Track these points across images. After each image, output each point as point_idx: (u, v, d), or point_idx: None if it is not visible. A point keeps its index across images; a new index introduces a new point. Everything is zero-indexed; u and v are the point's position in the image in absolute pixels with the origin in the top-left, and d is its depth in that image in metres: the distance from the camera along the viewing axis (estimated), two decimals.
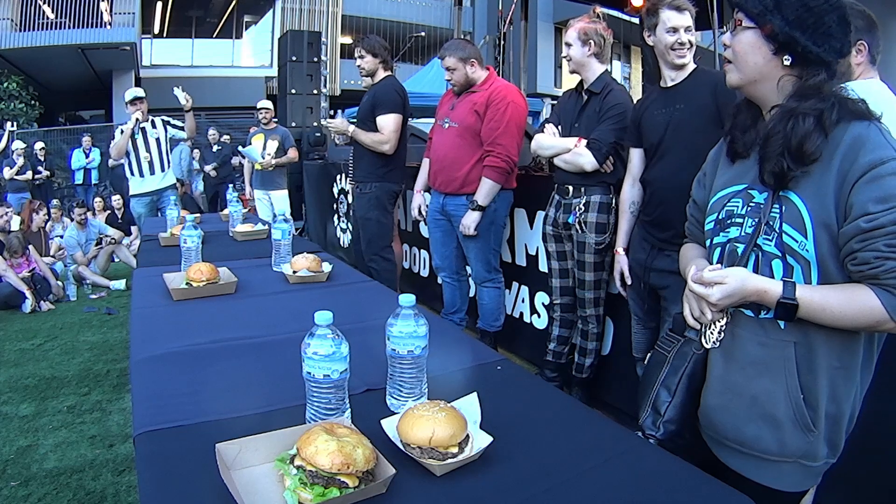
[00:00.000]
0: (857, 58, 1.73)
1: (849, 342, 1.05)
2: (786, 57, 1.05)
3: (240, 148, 6.07)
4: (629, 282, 2.29)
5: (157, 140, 4.76)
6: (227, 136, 9.59)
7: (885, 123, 1.02)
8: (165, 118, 4.88)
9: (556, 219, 2.60)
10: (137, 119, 4.60)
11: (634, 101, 2.36)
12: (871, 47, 1.75)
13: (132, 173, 4.76)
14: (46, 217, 5.87)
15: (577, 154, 2.44)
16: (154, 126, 4.76)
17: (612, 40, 2.53)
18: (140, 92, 4.74)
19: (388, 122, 3.29)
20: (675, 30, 1.98)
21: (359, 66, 3.43)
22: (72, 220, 5.90)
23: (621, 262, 2.31)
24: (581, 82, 2.54)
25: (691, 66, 2.03)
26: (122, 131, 4.66)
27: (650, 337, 2.28)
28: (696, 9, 2.02)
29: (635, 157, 2.23)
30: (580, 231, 2.50)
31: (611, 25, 2.55)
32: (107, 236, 5.86)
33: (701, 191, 1.28)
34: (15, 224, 5.49)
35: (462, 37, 5.35)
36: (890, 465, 1.58)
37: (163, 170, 4.81)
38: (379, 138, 3.30)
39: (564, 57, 2.55)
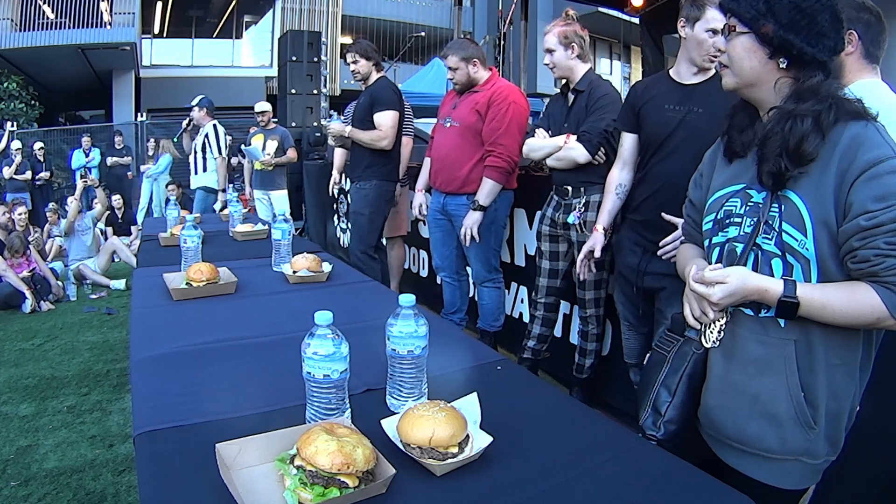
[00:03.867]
0: (847, 48, 1.58)
1: (848, 339, 1.05)
2: (781, 60, 1.05)
3: (242, 147, 6.12)
4: (598, 255, 2.21)
5: (194, 146, 5.54)
6: (230, 137, 9.60)
7: (882, 122, 1.02)
8: (222, 131, 5.49)
9: (554, 219, 2.59)
10: (183, 125, 5.63)
11: (629, 90, 2.27)
12: (864, 39, 1.63)
13: None
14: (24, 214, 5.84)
15: (569, 148, 2.43)
16: (206, 135, 5.43)
17: (588, 38, 2.51)
18: (194, 101, 5.55)
19: (386, 119, 3.32)
20: (715, 32, 1.85)
21: (353, 70, 3.49)
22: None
23: (597, 239, 2.21)
24: (567, 83, 2.54)
25: (714, 69, 1.95)
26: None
27: (643, 342, 2.25)
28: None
29: (627, 141, 2.13)
30: (581, 231, 2.49)
31: (611, 25, 2.56)
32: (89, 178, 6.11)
33: (697, 191, 1.28)
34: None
35: (462, 37, 5.33)
36: (889, 464, 1.58)
37: (195, 172, 5.59)
38: (377, 135, 3.33)
39: (547, 64, 2.52)
